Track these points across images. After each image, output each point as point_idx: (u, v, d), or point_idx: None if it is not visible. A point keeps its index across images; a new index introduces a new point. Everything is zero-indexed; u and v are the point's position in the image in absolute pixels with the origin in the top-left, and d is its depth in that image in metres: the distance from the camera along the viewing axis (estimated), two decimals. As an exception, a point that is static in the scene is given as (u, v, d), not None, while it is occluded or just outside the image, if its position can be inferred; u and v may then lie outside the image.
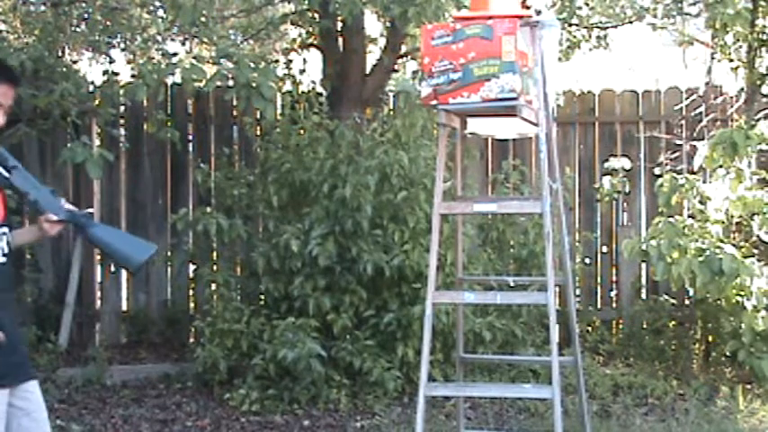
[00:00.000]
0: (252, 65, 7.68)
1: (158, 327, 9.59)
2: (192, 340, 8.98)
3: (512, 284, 7.43)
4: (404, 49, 9.64)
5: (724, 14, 8.22)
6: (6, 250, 4.33)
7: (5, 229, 4.35)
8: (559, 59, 10.02)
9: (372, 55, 9.94)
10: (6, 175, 4.45)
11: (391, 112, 9.35)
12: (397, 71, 9.96)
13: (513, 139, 9.33)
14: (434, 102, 5.62)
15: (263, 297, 8.33)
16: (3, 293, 4.30)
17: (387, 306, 7.88)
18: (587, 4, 10.96)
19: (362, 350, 7.72)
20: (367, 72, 9.40)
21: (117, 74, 8.28)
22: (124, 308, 9.77)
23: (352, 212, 7.83)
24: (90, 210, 4.60)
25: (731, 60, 8.99)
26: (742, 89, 9.08)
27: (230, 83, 7.75)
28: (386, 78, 9.65)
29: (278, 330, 7.62)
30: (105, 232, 4.59)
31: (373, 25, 10.30)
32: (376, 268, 7.74)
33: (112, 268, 9.70)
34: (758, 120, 8.52)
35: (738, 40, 8.79)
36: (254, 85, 7.51)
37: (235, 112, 9.62)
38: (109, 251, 4.60)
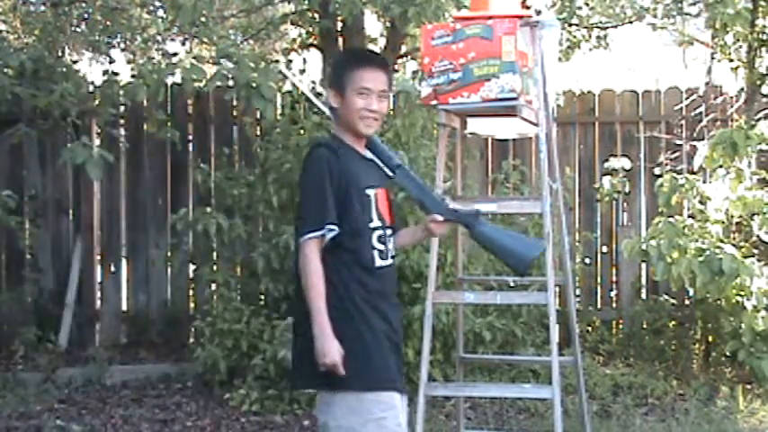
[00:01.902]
0: (252, 65, 7.68)
1: (158, 327, 9.59)
2: (191, 340, 8.98)
3: (512, 284, 7.43)
4: (404, 49, 9.65)
5: (724, 14, 8.23)
6: (393, 252, 4.25)
7: (390, 231, 4.23)
8: (559, 59, 10.03)
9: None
10: (391, 174, 4.30)
11: (391, 112, 9.35)
12: (397, 71, 9.96)
13: (513, 139, 9.33)
14: (434, 102, 5.62)
15: (263, 297, 8.33)
16: (393, 296, 4.24)
17: (387, 306, 7.86)
18: (587, 4, 10.98)
19: (362, 350, 7.70)
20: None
21: (117, 74, 8.27)
22: (124, 308, 9.77)
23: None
24: (475, 208, 4.47)
25: (731, 60, 8.99)
26: (742, 89, 9.08)
27: (230, 83, 7.75)
28: (386, 78, 9.65)
29: (278, 330, 7.62)
30: (493, 231, 4.48)
31: (373, 25, 10.32)
32: (376, 268, 7.72)
33: (112, 268, 9.71)
34: (758, 120, 8.53)
35: (738, 40, 8.79)
36: (254, 85, 7.51)
37: (235, 112, 9.62)
38: (498, 250, 4.46)
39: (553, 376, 5.46)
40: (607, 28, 11.24)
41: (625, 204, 9.91)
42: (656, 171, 9.12)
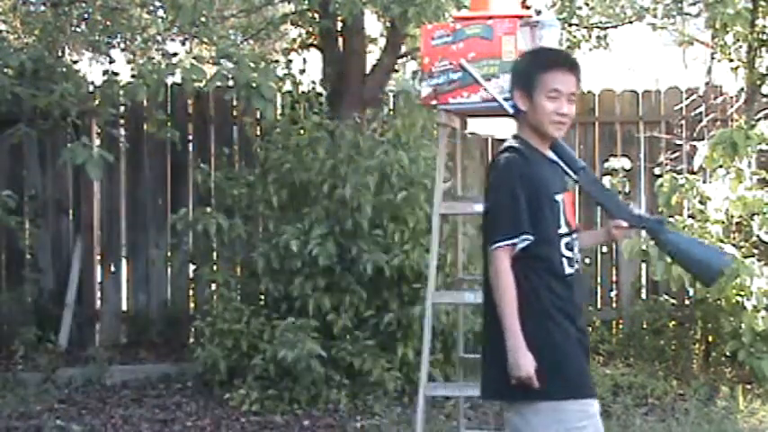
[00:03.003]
0: (252, 65, 7.68)
1: (158, 327, 9.58)
2: (191, 340, 8.97)
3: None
4: (404, 49, 9.64)
5: (724, 14, 8.23)
6: (579, 257, 4.10)
7: (575, 236, 4.08)
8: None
9: (372, 55, 9.94)
10: (575, 177, 4.19)
11: (391, 112, 9.35)
12: (397, 71, 9.97)
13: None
14: (434, 102, 5.63)
15: (262, 297, 8.33)
16: (580, 305, 4.08)
17: (387, 306, 7.88)
18: (587, 4, 10.97)
19: (362, 350, 7.72)
20: (367, 72, 9.40)
21: (117, 74, 8.27)
22: (124, 308, 9.76)
23: (352, 212, 7.82)
24: (661, 216, 4.35)
25: (731, 60, 8.98)
26: (742, 89, 9.08)
27: (230, 83, 7.75)
28: (386, 78, 9.65)
29: (278, 330, 7.62)
30: (681, 239, 4.36)
31: (373, 25, 10.32)
32: (376, 268, 7.74)
33: (112, 268, 9.70)
34: (758, 120, 8.53)
35: (738, 40, 8.79)
36: (254, 85, 7.50)
37: (235, 113, 9.62)
38: (685, 259, 4.32)
39: (553, 376, 5.45)
40: (607, 28, 11.23)
41: (625, 204, 9.89)
42: (656, 171, 9.12)
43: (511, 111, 4.33)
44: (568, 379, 3.88)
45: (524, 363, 3.79)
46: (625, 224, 4.23)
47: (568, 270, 3.97)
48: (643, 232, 4.94)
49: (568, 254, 3.98)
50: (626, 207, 4.28)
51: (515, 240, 3.87)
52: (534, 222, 3.89)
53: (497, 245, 3.89)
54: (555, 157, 4.10)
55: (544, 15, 5.83)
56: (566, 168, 4.13)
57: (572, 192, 4.17)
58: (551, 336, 3.88)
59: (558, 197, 3.98)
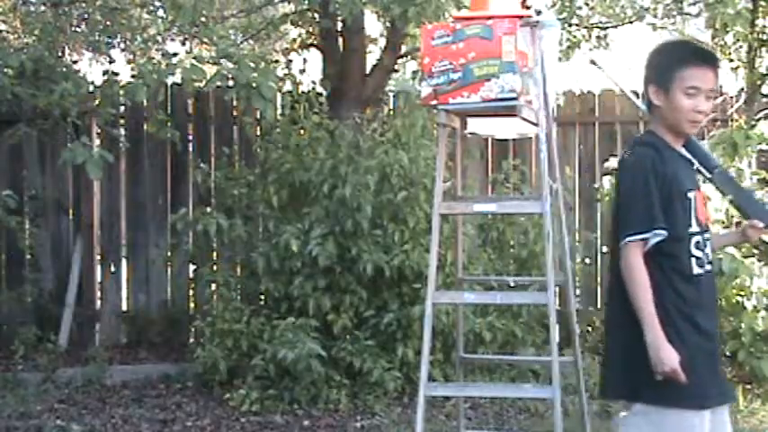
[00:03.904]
0: (252, 65, 7.68)
1: (158, 327, 9.58)
2: (191, 340, 8.98)
3: (512, 284, 7.41)
4: (404, 49, 9.64)
5: (724, 14, 8.23)
6: (710, 258, 3.99)
7: (708, 235, 3.99)
8: (560, 59, 10.01)
9: (372, 55, 9.94)
10: (708, 175, 4.12)
11: (391, 112, 9.35)
12: (397, 71, 9.95)
13: (514, 139, 9.32)
14: (434, 102, 5.61)
15: (263, 297, 8.34)
16: (711, 307, 4.01)
17: (387, 306, 7.88)
18: (587, 5, 10.96)
19: (362, 350, 7.72)
20: (367, 72, 9.40)
21: (117, 74, 8.27)
22: (124, 308, 9.77)
23: (352, 212, 7.82)
24: None
25: (731, 60, 8.98)
26: (742, 89, 9.08)
27: (230, 83, 7.75)
28: (386, 78, 9.65)
29: (278, 330, 7.62)
30: None
31: (373, 25, 10.31)
32: (376, 268, 7.74)
33: (112, 268, 9.70)
34: (758, 120, 8.52)
35: (738, 40, 8.79)
36: (254, 85, 7.50)
37: (235, 113, 9.62)
38: None
39: (553, 376, 5.45)
40: (607, 28, 11.22)
41: (625, 204, 9.88)
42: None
43: (644, 108, 4.28)
44: (680, 388, 3.76)
45: (667, 356, 3.71)
46: (761, 225, 4.14)
47: (697, 270, 3.89)
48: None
49: (698, 253, 3.90)
50: (762, 207, 4.19)
51: (647, 235, 3.79)
52: (665, 219, 3.81)
53: (629, 239, 3.81)
54: (688, 155, 4.02)
55: (544, 15, 5.82)
56: (699, 166, 4.05)
57: (701, 190, 4.05)
58: (671, 342, 3.76)
59: (691, 194, 3.91)
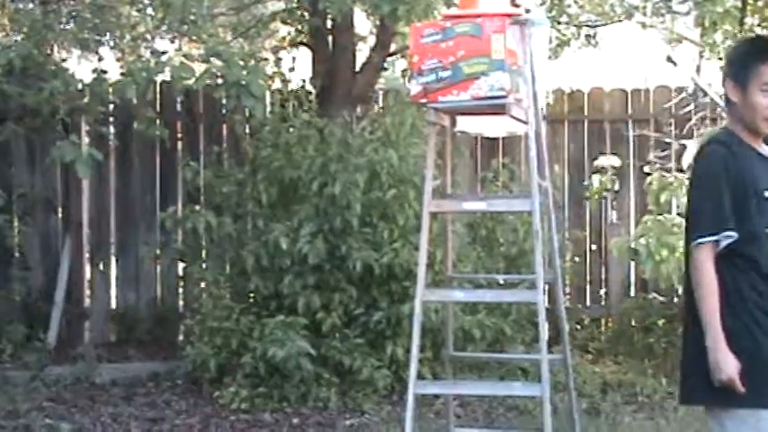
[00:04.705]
0: (241, 63, 7.67)
1: (148, 325, 9.57)
2: (181, 338, 8.97)
3: (501, 282, 7.44)
4: (393, 47, 9.64)
5: (713, 13, 8.26)
6: None
7: None
8: (549, 57, 10.02)
9: (362, 53, 9.94)
10: None
11: (381, 110, 9.35)
12: (386, 69, 9.96)
13: (503, 138, 9.33)
14: (424, 100, 5.62)
15: (252, 295, 8.32)
16: None
17: (376, 304, 7.88)
18: (577, 3, 10.98)
19: (352, 348, 7.72)
20: (356, 70, 9.40)
21: (106, 72, 8.26)
22: (113, 306, 9.75)
23: (341, 210, 7.82)
24: None
25: (720, 59, 9.00)
26: (710, 87, 9.08)
27: (220, 81, 7.74)
28: (375, 76, 9.65)
29: (267, 328, 7.61)
30: None
31: (363, 23, 10.31)
32: (365, 266, 7.74)
33: (101, 266, 9.69)
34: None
35: (727, 38, 8.81)
36: (243, 83, 7.50)
37: (224, 111, 9.60)
38: None
39: (542, 374, 5.46)
40: (596, 26, 11.24)
41: (614, 202, 9.92)
42: (646, 169, 9.13)
43: (722, 104, 4.21)
44: (762, 387, 3.70)
45: (726, 364, 3.66)
46: None
47: None
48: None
49: None
50: None
51: (717, 237, 3.72)
52: (739, 219, 3.73)
53: (699, 241, 3.74)
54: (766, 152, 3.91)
55: (534, 13, 5.82)
56: None
57: None
58: (755, 340, 3.72)
59: None
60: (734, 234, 3.71)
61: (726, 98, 3.93)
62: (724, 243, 3.72)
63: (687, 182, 3.95)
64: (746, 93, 3.80)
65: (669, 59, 5.61)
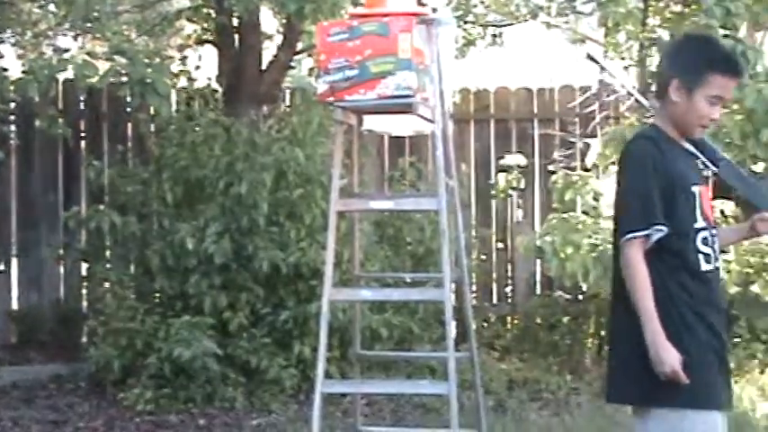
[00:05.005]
0: (146, 61, 7.59)
1: (50, 326, 9.41)
2: (84, 339, 8.85)
3: (408, 281, 7.45)
4: (300, 45, 9.61)
5: (616, 13, 8.33)
6: (718, 254, 3.86)
7: (715, 231, 3.85)
8: (455, 57, 10.08)
9: (268, 51, 9.89)
10: (714, 169, 3.95)
11: (288, 109, 9.32)
12: (293, 68, 9.93)
13: (410, 137, 9.35)
14: (331, 99, 5.61)
15: (157, 295, 8.25)
16: (720, 304, 3.87)
17: (283, 303, 7.86)
18: (483, 3, 11.05)
19: (259, 348, 7.70)
20: (263, 69, 9.35)
21: (6, 69, 8.11)
22: (15, 307, 9.58)
23: (248, 209, 7.79)
24: None
25: (623, 59, 9.11)
26: (634, 87, 9.20)
27: (124, 79, 7.65)
28: (282, 75, 9.62)
29: (173, 329, 7.55)
30: None
31: (269, 21, 10.26)
32: (272, 266, 7.72)
33: (2, 267, 9.51)
34: (649, 117, 8.64)
35: (630, 38, 8.91)
36: (148, 81, 7.42)
37: (129, 109, 9.49)
38: None
39: (449, 372, 5.48)
40: (502, 26, 11.33)
41: (520, 201, 10.00)
42: (551, 168, 9.22)
43: (646, 103, 4.20)
44: (695, 387, 3.66)
45: (667, 357, 3.60)
46: None
47: (705, 267, 3.77)
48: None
49: (706, 249, 3.77)
50: None
51: (648, 231, 3.68)
52: (668, 215, 3.71)
53: (629, 236, 3.70)
54: (692, 149, 3.91)
55: (440, 13, 5.85)
56: (705, 160, 3.93)
57: (708, 185, 3.94)
58: (681, 339, 3.67)
59: (695, 189, 3.79)
60: (664, 228, 3.69)
61: (658, 93, 3.92)
62: (655, 237, 3.69)
63: (615, 178, 3.92)
64: (691, 98, 3.78)
65: (590, 57, 5.64)
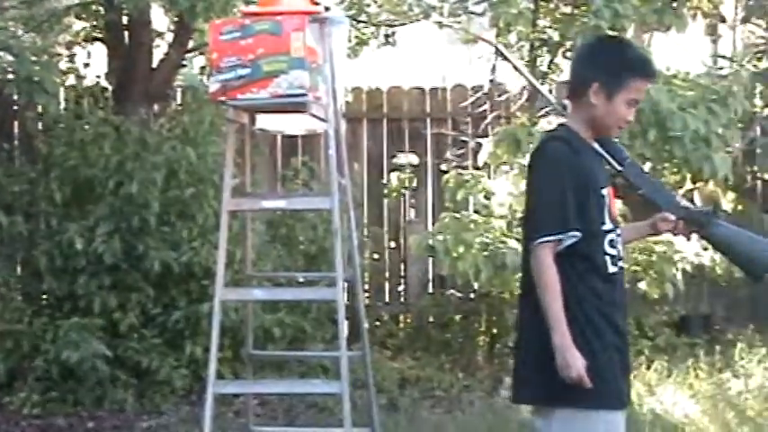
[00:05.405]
0: (33, 58, 7.47)
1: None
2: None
3: (301, 280, 7.43)
4: (192, 43, 9.53)
5: (507, 14, 8.40)
6: (623, 254, 3.87)
7: (619, 231, 3.84)
8: (348, 56, 10.08)
9: (160, 49, 9.79)
10: (619, 168, 3.91)
11: (179, 108, 9.24)
12: (185, 66, 9.84)
13: (303, 136, 9.33)
14: (223, 98, 5.58)
15: (45, 296, 8.12)
16: (624, 305, 3.88)
17: (175, 304, 7.80)
18: (376, 2, 11.06)
19: (150, 349, 7.63)
20: (154, 67, 9.25)
21: None
22: None
23: (138, 209, 7.71)
24: (709, 207, 3.95)
25: (521, 59, 9.20)
26: (524, 87, 9.30)
27: (10, 76, 7.51)
28: (173, 73, 9.52)
29: (61, 330, 7.44)
30: (730, 232, 4.03)
31: (160, 19, 10.15)
32: (164, 265, 7.65)
33: None
34: (540, 117, 8.74)
35: (521, 39, 9.00)
36: (35, 78, 7.29)
37: (15, 107, 9.31)
38: (734, 253, 4.07)
39: (342, 371, 5.50)
40: (395, 25, 11.35)
41: (413, 200, 10.04)
42: (443, 167, 9.27)
43: (553, 101, 4.18)
44: (601, 388, 3.67)
45: (574, 362, 3.59)
46: (672, 217, 4.01)
47: (612, 269, 3.78)
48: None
49: (612, 251, 3.79)
50: (673, 199, 4.09)
51: (562, 236, 3.66)
52: (580, 218, 3.69)
53: (542, 240, 3.67)
54: (600, 149, 3.91)
55: (333, 12, 5.86)
56: (611, 160, 3.93)
57: (614, 185, 3.94)
58: (589, 341, 3.67)
59: (604, 191, 3.80)
60: (578, 234, 3.69)
61: (572, 95, 3.90)
62: (568, 242, 3.69)
63: (526, 179, 3.93)
64: (612, 101, 3.78)
65: (499, 52, 5.69)
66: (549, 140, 3.87)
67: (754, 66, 9.31)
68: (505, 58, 6.45)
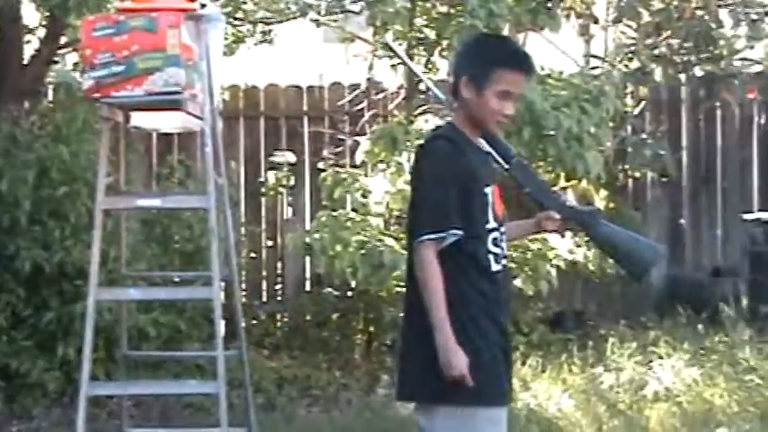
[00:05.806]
0: None
1: None
2: None
3: (177, 280, 7.37)
4: (64, 39, 9.37)
5: (384, 13, 8.44)
6: (506, 252, 3.85)
7: (503, 230, 3.82)
8: (225, 54, 10.02)
9: (31, 45, 9.60)
10: (506, 166, 3.86)
11: (51, 105, 9.09)
12: (57, 62, 9.67)
13: (178, 134, 9.25)
14: (97, 95, 5.52)
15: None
16: (507, 303, 3.90)
17: (46, 304, 7.66)
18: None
19: (20, 351, 7.48)
20: (25, 63, 9.08)
21: None
22: None
23: (9, 208, 7.55)
24: (594, 207, 3.87)
25: (391, 57, 9.24)
26: (402, 86, 9.35)
27: None
28: (45, 69, 9.34)
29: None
30: (613, 232, 4.04)
31: (31, 14, 9.96)
32: (35, 265, 7.51)
33: None
34: (417, 115, 8.80)
35: (398, 38, 9.04)
36: None
37: None
38: (617, 253, 4.07)
39: (218, 371, 5.48)
40: (272, 23, 11.32)
41: (290, 198, 10.03)
42: (320, 165, 9.28)
43: (442, 97, 4.17)
44: (485, 385, 3.68)
45: (457, 361, 3.59)
46: (557, 216, 4.05)
47: (495, 267, 3.79)
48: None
49: (496, 250, 3.80)
50: (558, 198, 4.16)
51: (443, 234, 3.65)
52: (463, 216, 3.69)
53: (424, 238, 3.66)
54: (486, 147, 3.90)
55: (209, 9, 5.83)
56: (497, 158, 3.93)
57: (500, 183, 3.92)
58: (473, 340, 3.67)
59: (488, 189, 3.79)
60: (459, 232, 3.69)
61: (453, 92, 3.89)
62: (449, 241, 3.69)
63: (410, 177, 3.96)
64: (481, 94, 3.78)
65: (387, 46, 5.72)
66: (434, 139, 3.88)
67: (626, 66, 9.54)
68: (395, 54, 6.47)
